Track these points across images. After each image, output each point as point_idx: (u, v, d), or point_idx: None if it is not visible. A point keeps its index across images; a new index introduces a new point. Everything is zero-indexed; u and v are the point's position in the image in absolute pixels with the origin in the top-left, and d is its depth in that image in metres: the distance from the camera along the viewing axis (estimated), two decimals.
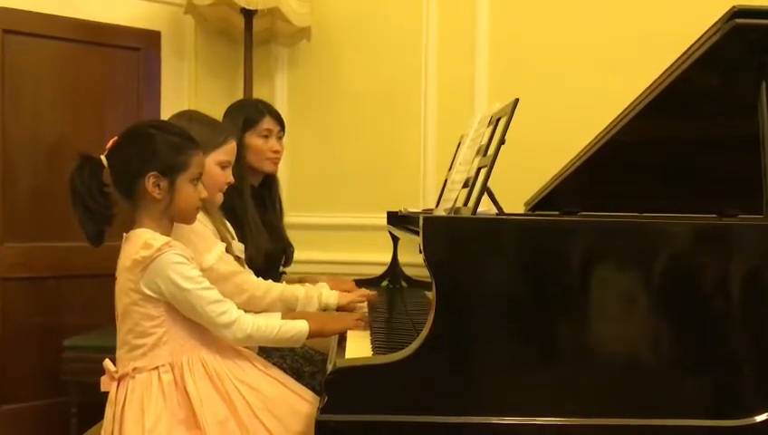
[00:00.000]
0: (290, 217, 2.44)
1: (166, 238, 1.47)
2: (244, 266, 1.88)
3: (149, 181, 1.48)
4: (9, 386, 2.78)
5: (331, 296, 1.89)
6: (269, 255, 2.13)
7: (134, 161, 1.50)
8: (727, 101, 1.48)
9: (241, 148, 2.07)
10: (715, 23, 1.21)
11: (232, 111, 2.26)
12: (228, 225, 1.93)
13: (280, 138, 2.25)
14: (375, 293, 2.09)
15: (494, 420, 1.23)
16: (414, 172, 3.10)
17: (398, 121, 3.11)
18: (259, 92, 2.96)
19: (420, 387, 1.23)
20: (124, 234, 1.54)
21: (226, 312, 1.49)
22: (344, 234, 3.12)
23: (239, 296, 1.71)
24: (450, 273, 1.25)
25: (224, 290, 1.56)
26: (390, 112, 3.12)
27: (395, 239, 2.56)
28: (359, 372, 1.24)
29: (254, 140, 2.17)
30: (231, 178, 1.84)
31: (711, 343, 1.27)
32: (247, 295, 1.74)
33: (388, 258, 2.57)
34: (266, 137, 2.20)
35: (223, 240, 1.80)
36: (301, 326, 1.60)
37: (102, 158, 1.52)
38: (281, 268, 2.33)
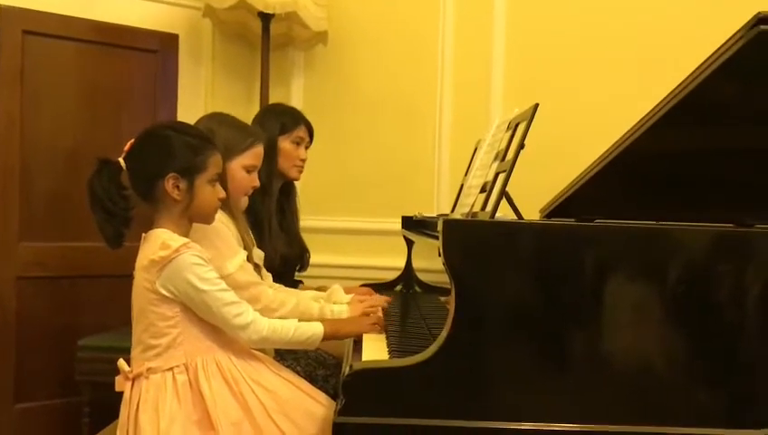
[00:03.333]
0: (304, 221, 2.44)
1: (184, 239, 1.47)
2: (261, 274, 1.88)
3: (169, 183, 1.48)
4: (24, 384, 2.78)
5: (342, 313, 1.88)
6: (285, 258, 2.14)
7: (152, 163, 1.50)
8: (749, 110, 1.46)
9: (274, 150, 2.11)
10: (739, 30, 1.20)
11: (268, 114, 2.27)
12: (250, 232, 1.93)
13: (307, 148, 2.27)
14: (389, 299, 2.08)
15: (512, 425, 1.23)
16: (428, 177, 3.10)
17: (412, 126, 3.12)
18: (275, 96, 2.97)
19: (438, 390, 1.23)
20: (143, 234, 1.54)
21: (242, 313, 1.49)
22: (358, 238, 3.13)
23: (253, 306, 1.69)
24: (470, 276, 1.25)
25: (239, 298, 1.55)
26: (405, 117, 3.12)
27: (409, 244, 2.56)
28: (377, 374, 1.24)
29: (287, 144, 2.19)
30: (256, 183, 1.84)
31: (728, 351, 1.26)
32: (261, 306, 1.70)
33: (401, 263, 2.58)
34: (298, 144, 2.22)
35: (245, 247, 1.80)
36: (316, 329, 1.60)
37: (121, 160, 1.52)
38: (296, 275, 2.33)
